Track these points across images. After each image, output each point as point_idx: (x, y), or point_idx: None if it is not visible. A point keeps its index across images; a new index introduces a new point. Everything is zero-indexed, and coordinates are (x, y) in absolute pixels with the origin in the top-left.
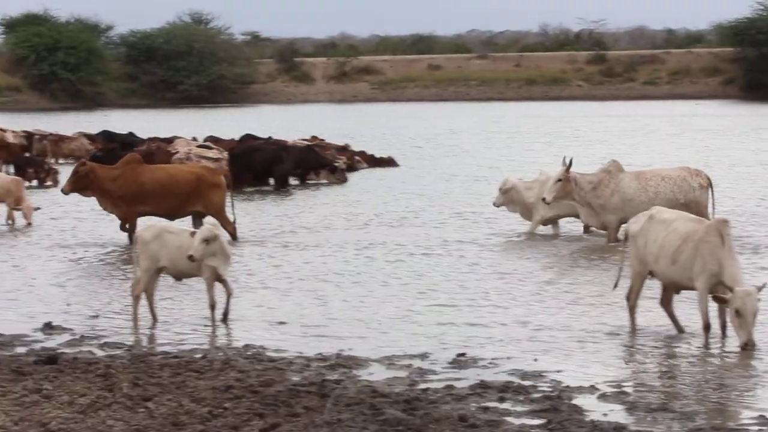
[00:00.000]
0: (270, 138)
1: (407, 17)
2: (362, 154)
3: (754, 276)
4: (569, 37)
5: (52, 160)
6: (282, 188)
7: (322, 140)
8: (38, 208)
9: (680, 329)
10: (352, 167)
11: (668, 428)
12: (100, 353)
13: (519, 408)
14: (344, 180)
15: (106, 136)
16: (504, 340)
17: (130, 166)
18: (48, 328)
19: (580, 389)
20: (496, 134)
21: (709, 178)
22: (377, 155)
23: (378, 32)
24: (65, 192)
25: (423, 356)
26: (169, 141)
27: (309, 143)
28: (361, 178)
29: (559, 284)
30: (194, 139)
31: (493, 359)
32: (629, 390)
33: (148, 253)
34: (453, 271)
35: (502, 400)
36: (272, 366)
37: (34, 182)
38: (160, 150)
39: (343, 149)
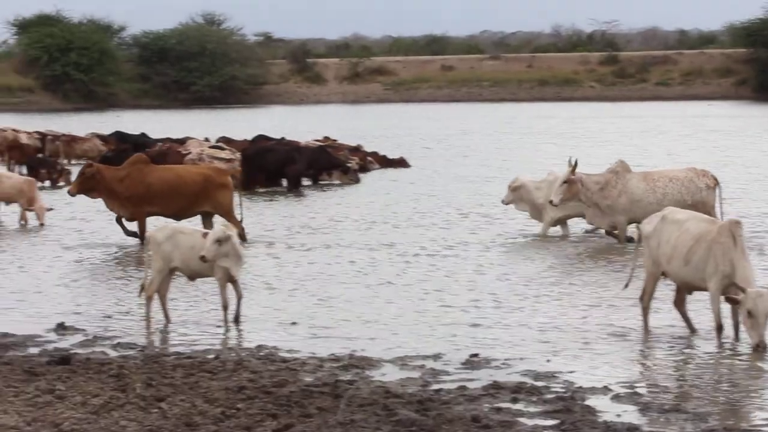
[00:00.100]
0: (283, 139)
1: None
2: (374, 154)
3: (765, 277)
4: (582, 38)
5: (65, 161)
6: (295, 189)
7: (335, 141)
8: (51, 209)
9: (693, 330)
10: (364, 168)
11: (681, 429)
12: (113, 354)
13: (532, 409)
14: (357, 180)
15: (119, 136)
16: (516, 340)
17: (137, 167)
18: (61, 328)
19: (593, 390)
20: (508, 135)
21: (715, 179)
22: (389, 156)
23: (391, 33)
24: (71, 193)
25: (436, 357)
26: (182, 142)
27: (321, 144)
28: (373, 179)
29: (571, 285)
30: (207, 139)
31: (505, 360)
32: (642, 391)
33: (161, 254)
34: (464, 272)
35: (515, 400)
36: (285, 366)
37: (47, 183)
38: (172, 151)
39: (356, 150)
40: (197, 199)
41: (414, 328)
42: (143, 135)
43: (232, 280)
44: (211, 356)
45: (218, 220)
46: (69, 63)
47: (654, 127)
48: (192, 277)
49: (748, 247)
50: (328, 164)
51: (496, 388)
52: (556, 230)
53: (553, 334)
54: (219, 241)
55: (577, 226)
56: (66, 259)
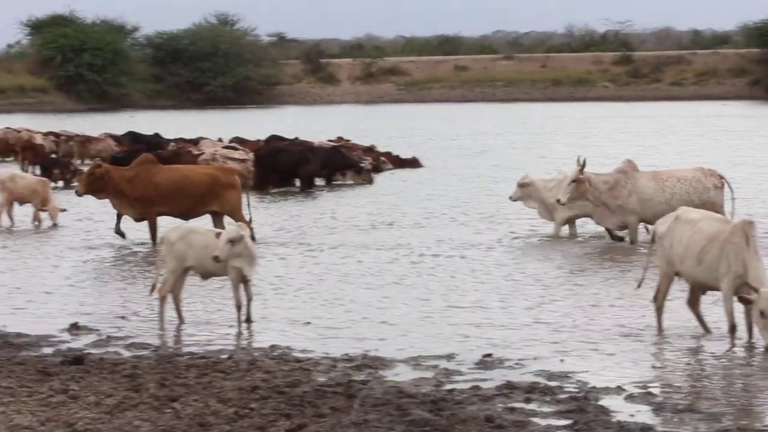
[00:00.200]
0: (296, 139)
1: (433, 18)
2: (388, 154)
3: None
4: (595, 38)
5: (79, 161)
6: (308, 189)
7: (348, 141)
8: (64, 210)
9: (707, 330)
10: (377, 168)
11: (695, 429)
12: (126, 354)
13: (545, 409)
14: (370, 181)
15: (132, 137)
16: (530, 340)
17: (144, 167)
18: (74, 328)
19: (607, 390)
20: (520, 135)
21: (723, 179)
22: (402, 156)
23: (404, 33)
24: (79, 193)
25: (449, 357)
26: (195, 142)
27: (335, 144)
28: (386, 179)
29: (582, 285)
30: (220, 140)
31: (519, 360)
32: (656, 391)
33: (174, 254)
34: (475, 272)
35: (528, 400)
36: (298, 366)
37: (60, 183)
38: (185, 151)
39: (369, 150)
40: (204, 198)
41: (426, 328)
42: (157, 135)
43: (245, 281)
44: (225, 356)
45: (229, 220)
46: (82, 63)
47: (667, 127)
48: (205, 276)
49: (761, 247)
50: (341, 164)
51: (509, 388)
52: (563, 229)
53: (566, 334)
54: (232, 241)
55: (585, 226)
56: (79, 260)
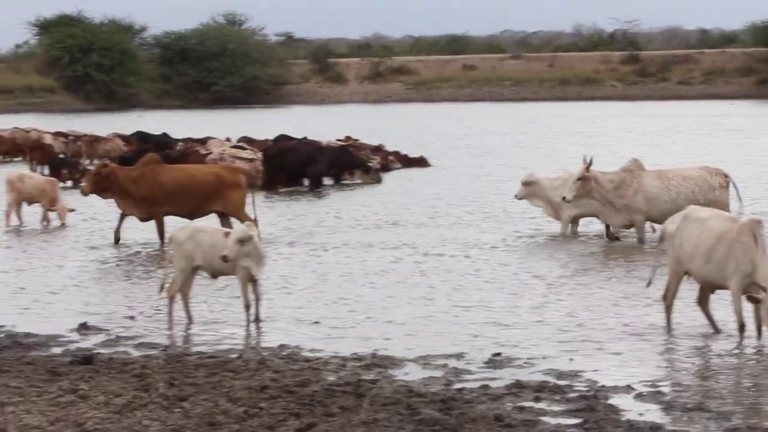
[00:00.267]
0: (304, 138)
1: (441, 18)
2: (396, 154)
3: None
4: (603, 37)
5: (87, 161)
6: (316, 188)
7: (356, 140)
8: (73, 210)
9: (716, 329)
10: (386, 167)
11: (705, 428)
12: (135, 353)
13: (555, 408)
14: (379, 180)
15: (141, 136)
16: (538, 339)
17: (149, 167)
18: (83, 328)
19: (616, 389)
20: (528, 134)
21: (728, 178)
22: (410, 155)
23: (412, 33)
24: (85, 193)
25: (458, 356)
26: (203, 142)
27: (343, 144)
28: (394, 179)
29: (591, 284)
30: (228, 139)
31: (528, 359)
32: (665, 390)
33: (183, 253)
34: (483, 271)
35: (537, 399)
36: (308, 366)
37: (69, 183)
38: (193, 151)
39: (378, 149)
40: (209, 198)
41: (434, 328)
42: (165, 135)
43: (253, 281)
44: (234, 356)
45: (236, 220)
46: (90, 63)
47: (674, 126)
48: (214, 275)
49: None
50: (349, 164)
51: (518, 387)
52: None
53: (575, 333)
54: (241, 241)
55: (590, 225)
56: (87, 260)
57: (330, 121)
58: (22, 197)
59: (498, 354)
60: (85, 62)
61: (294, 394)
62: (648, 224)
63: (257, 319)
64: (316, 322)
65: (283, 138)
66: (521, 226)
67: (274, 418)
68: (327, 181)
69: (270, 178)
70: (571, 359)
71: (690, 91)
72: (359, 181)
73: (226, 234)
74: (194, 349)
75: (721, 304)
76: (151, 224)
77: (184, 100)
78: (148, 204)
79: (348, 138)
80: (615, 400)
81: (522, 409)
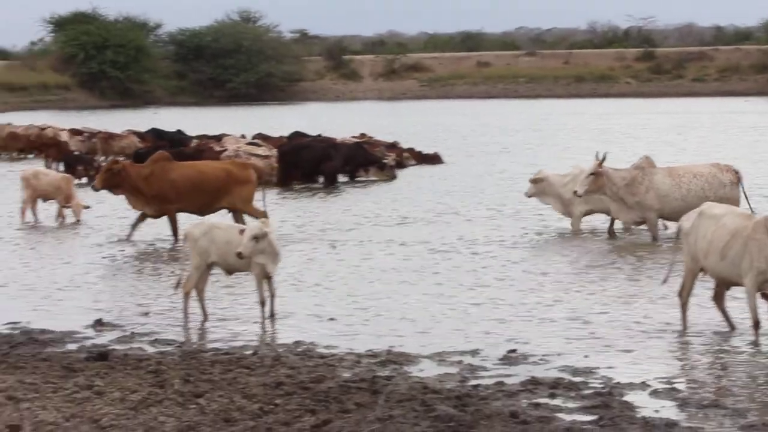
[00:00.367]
0: (319, 135)
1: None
2: (411, 150)
3: None
4: (618, 34)
5: (102, 158)
6: (331, 185)
7: (371, 137)
8: (88, 207)
9: (732, 326)
10: (401, 164)
11: (720, 425)
12: (150, 350)
13: (570, 404)
14: (393, 177)
15: (156, 133)
16: (553, 336)
17: (159, 165)
18: (98, 324)
19: (632, 386)
20: (543, 131)
21: (739, 174)
22: (424, 152)
23: (426, 30)
24: (96, 188)
25: (473, 353)
26: (218, 139)
27: (358, 140)
28: (409, 175)
29: (604, 281)
30: (243, 136)
31: (543, 356)
32: (680, 386)
33: (198, 250)
34: (497, 268)
35: (553, 396)
36: (323, 362)
37: (84, 180)
38: (208, 148)
39: (392, 146)
40: (218, 194)
41: (448, 324)
42: (179, 132)
43: (268, 277)
44: (249, 352)
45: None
46: (105, 60)
47: (688, 123)
48: (229, 272)
49: None
50: (364, 161)
51: (534, 383)
52: (586, 226)
53: (589, 330)
54: (256, 238)
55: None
56: (102, 256)
57: (344, 118)
58: (37, 194)
59: (513, 351)
60: (99, 59)
61: (309, 391)
62: (659, 222)
63: (272, 316)
64: (331, 319)
65: (297, 135)
66: (533, 224)
67: (290, 414)
68: (342, 178)
69: (285, 175)
70: (586, 356)
71: (705, 88)
72: (374, 178)
73: (242, 231)
74: (209, 345)
75: (737, 301)
76: (163, 221)
77: (198, 97)
78: (160, 201)
79: (363, 135)
80: (630, 397)
81: (537, 405)
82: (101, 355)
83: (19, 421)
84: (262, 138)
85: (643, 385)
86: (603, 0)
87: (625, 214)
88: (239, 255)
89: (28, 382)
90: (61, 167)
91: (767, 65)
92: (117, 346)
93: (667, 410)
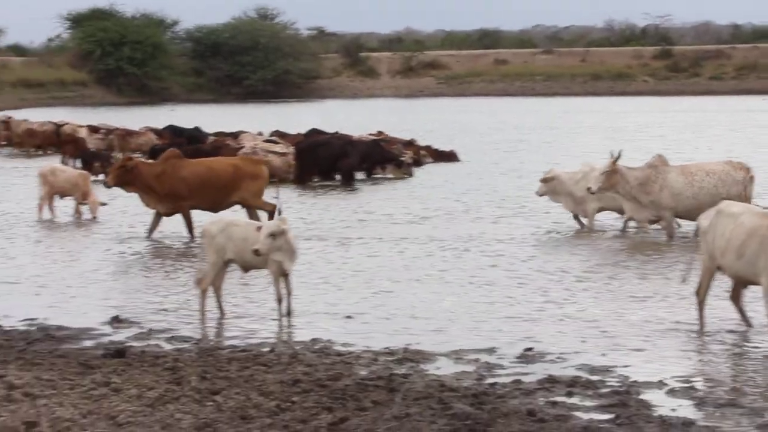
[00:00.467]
0: (336, 133)
1: (473, 12)
2: (428, 148)
3: None
4: (635, 32)
5: (119, 155)
6: (348, 183)
7: (387, 135)
8: (104, 204)
9: (749, 324)
10: (418, 162)
11: (737, 424)
12: (167, 347)
13: (587, 403)
14: (410, 174)
15: (173, 130)
16: (570, 335)
17: (170, 162)
18: (115, 321)
19: (649, 384)
20: (559, 129)
21: (751, 172)
22: (441, 149)
23: (443, 27)
24: (108, 185)
25: (490, 351)
26: (235, 136)
27: (375, 138)
28: (426, 173)
29: (620, 279)
30: (260, 134)
31: (560, 354)
32: (698, 385)
33: (215, 247)
34: (512, 267)
35: (570, 394)
36: (340, 360)
37: (101, 176)
38: (225, 145)
39: (409, 144)
40: (228, 189)
41: (466, 322)
42: (197, 129)
43: (285, 274)
44: (266, 349)
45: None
46: (122, 57)
47: (704, 122)
48: (245, 269)
49: None
50: (381, 158)
51: (551, 382)
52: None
53: (607, 328)
54: (273, 235)
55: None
56: (119, 253)
57: (361, 116)
58: (54, 191)
59: (530, 349)
60: (117, 56)
61: (326, 388)
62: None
63: (289, 313)
64: (348, 317)
65: (315, 132)
66: (546, 222)
67: (307, 412)
68: (359, 175)
69: (302, 172)
70: (603, 354)
71: (722, 87)
72: (391, 176)
73: (258, 228)
74: (226, 342)
75: (757, 299)
76: (178, 218)
77: (216, 94)
78: (173, 199)
79: (380, 132)
80: (647, 396)
81: (554, 404)
82: (118, 352)
83: (36, 417)
84: (280, 135)
85: (660, 384)
86: None
87: (640, 213)
88: (256, 252)
89: (45, 379)
90: (78, 164)
91: None
92: (134, 343)
93: (684, 409)
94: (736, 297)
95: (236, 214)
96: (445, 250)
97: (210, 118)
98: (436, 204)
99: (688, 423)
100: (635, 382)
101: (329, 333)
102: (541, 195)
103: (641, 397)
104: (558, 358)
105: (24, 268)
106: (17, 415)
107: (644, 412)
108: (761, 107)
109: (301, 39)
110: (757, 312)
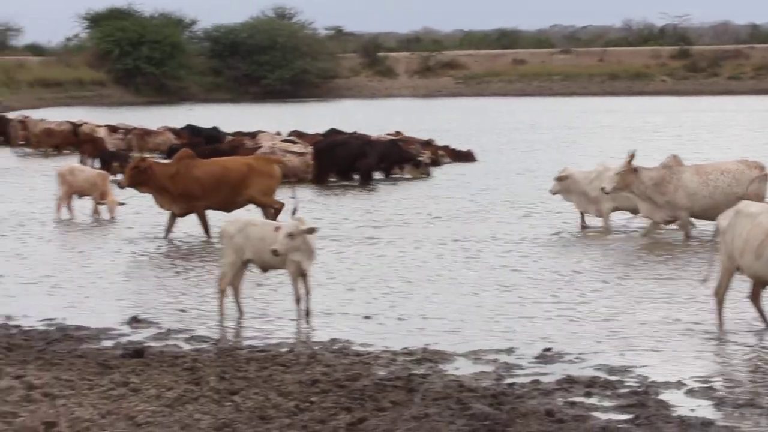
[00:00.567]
0: (355, 132)
1: (490, 12)
2: (446, 148)
3: None
4: (653, 32)
5: (138, 155)
6: (366, 183)
7: (405, 135)
8: (123, 203)
9: None
10: (436, 162)
11: (756, 424)
12: (186, 347)
13: (606, 403)
14: (428, 174)
15: (191, 130)
16: (588, 335)
17: (184, 163)
18: (134, 321)
19: (667, 384)
20: (577, 129)
21: (766, 170)
22: (459, 149)
23: (461, 27)
24: (122, 186)
25: (509, 351)
26: (253, 135)
27: (393, 138)
28: (444, 173)
29: (637, 279)
30: (278, 133)
31: (579, 354)
32: (717, 385)
33: (233, 247)
34: (529, 267)
35: (588, 395)
36: (358, 360)
37: (119, 176)
38: (243, 144)
39: (427, 144)
40: (240, 188)
41: (485, 323)
42: (215, 128)
43: (303, 274)
44: (285, 349)
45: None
46: (140, 57)
47: (722, 122)
48: (264, 269)
49: None
50: (399, 158)
51: (569, 382)
52: (617, 225)
53: (626, 329)
54: (291, 235)
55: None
56: (137, 252)
57: (380, 115)
58: (72, 190)
59: (548, 349)
60: (135, 55)
61: (345, 389)
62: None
63: (308, 313)
64: (367, 317)
65: (333, 132)
66: (566, 222)
67: (325, 412)
68: (377, 175)
69: (320, 172)
70: (621, 354)
71: (740, 87)
72: (409, 176)
73: (277, 228)
74: (245, 342)
75: None
76: (191, 218)
77: (234, 93)
78: (186, 199)
79: (398, 132)
80: (666, 396)
81: (573, 404)
82: (137, 352)
83: (55, 417)
84: (298, 135)
85: (679, 384)
86: None
87: (655, 213)
88: (274, 252)
89: (64, 379)
90: (97, 164)
91: None
92: (153, 343)
93: (703, 409)
94: (755, 297)
95: (251, 213)
96: (461, 251)
97: (228, 117)
98: (453, 204)
99: (707, 423)
100: (654, 382)
101: (348, 333)
102: (554, 193)
103: (660, 397)
104: (576, 358)
105: (42, 268)
106: (36, 415)
107: (663, 413)
108: None
109: (319, 38)
110: None
